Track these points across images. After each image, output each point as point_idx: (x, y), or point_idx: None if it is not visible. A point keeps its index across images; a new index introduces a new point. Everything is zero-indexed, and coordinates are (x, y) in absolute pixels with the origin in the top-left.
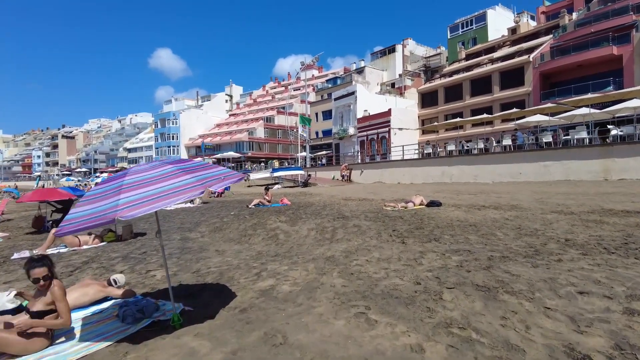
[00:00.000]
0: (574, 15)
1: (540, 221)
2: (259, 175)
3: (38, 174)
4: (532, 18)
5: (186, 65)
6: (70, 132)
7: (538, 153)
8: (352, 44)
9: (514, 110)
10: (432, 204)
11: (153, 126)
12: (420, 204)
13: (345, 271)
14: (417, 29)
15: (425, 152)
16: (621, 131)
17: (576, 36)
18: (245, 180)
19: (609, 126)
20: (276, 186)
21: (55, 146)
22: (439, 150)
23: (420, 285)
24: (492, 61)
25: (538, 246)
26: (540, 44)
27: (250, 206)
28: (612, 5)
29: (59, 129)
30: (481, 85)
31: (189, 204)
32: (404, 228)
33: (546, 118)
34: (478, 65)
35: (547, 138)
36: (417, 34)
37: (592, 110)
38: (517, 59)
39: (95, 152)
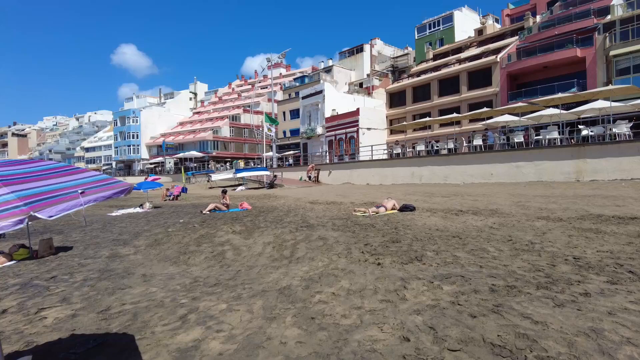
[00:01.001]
0: (538, 18)
1: (531, 230)
2: (222, 176)
3: None
4: (497, 21)
5: (152, 62)
6: (23, 130)
7: (510, 153)
8: (321, 45)
9: (485, 109)
10: (406, 208)
11: (113, 124)
12: (392, 209)
13: (303, 314)
14: (385, 30)
15: (395, 152)
16: (592, 132)
17: (541, 38)
18: (208, 181)
19: (580, 126)
20: (239, 188)
21: (5, 145)
22: (408, 150)
23: (409, 343)
24: (460, 61)
25: (546, 268)
26: (507, 45)
27: (204, 212)
28: (575, 9)
29: (9, 127)
30: (449, 85)
31: (137, 209)
32: (377, 241)
33: (514, 118)
34: (446, 65)
35: (519, 138)
36: (385, 35)
37: (560, 111)
38: (484, 59)
39: (50, 151)
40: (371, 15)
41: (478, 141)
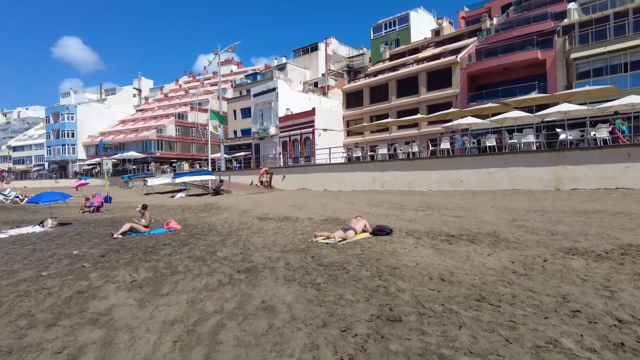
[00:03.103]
0: (495, 20)
1: (579, 280)
2: (159, 180)
3: None
4: (451, 24)
5: (99, 58)
6: None
7: (481, 158)
8: (277, 45)
9: (451, 110)
10: (381, 231)
11: (45, 122)
12: (363, 231)
13: None
14: (340, 30)
15: (354, 155)
16: (570, 135)
17: (501, 39)
18: (144, 186)
19: (557, 130)
20: (179, 195)
21: None
22: (369, 154)
23: None
24: (418, 61)
25: None
26: (466, 46)
27: (116, 235)
28: (531, 12)
29: None
30: (408, 85)
31: (35, 227)
32: (362, 317)
33: (478, 120)
34: (404, 65)
35: (491, 142)
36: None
37: (523, 114)
38: (444, 59)
39: None
40: (326, 15)
41: (445, 144)
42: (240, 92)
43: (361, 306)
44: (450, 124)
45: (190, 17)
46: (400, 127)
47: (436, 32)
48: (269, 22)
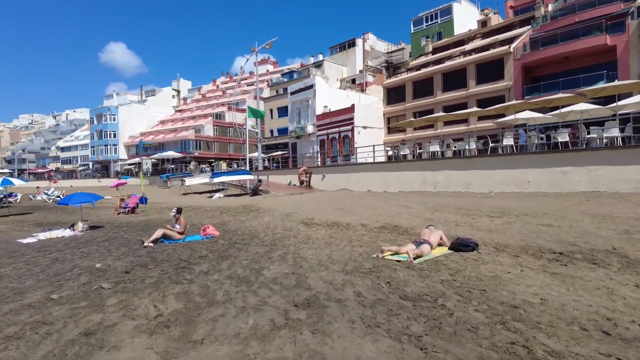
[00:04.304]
0: (550, 7)
1: None
2: (197, 180)
3: None
4: (496, 14)
5: (142, 62)
6: None
7: (552, 156)
8: (312, 44)
9: (512, 102)
10: (463, 246)
11: (89, 123)
12: (439, 245)
13: None
14: (377, 25)
15: (401, 153)
16: None
17: (561, 25)
18: (181, 186)
19: None
20: (217, 195)
21: None
22: (418, 151)
23: None
24: (465, 54)
25: None
26: (517, 36)
27: (147, 243)
28: None
29: None
30: (454, 79)
31: (66, 231)
32: None
33: (537, 115)
34: (450, 58)
35: (563, 137)
36: (377, 30)
37: (592, 106)
38: (495, 50)
39: (24, 150)
40: (362, 11)
41: (509, 141)
42: (277, 91)
43: None
44: (505, 119)
45: (228, 19)
46: (446, 123)
47: (483, 23)
48: (305, 21)
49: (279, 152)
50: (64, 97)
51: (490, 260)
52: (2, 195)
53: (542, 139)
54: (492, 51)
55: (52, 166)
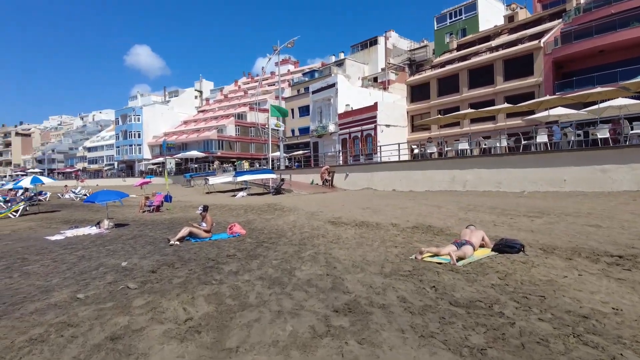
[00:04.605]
0: (582, 0)
1: None
2: (221, 179)
3: None
4: (522, 9)
5: (165, 64)
6: (29, 129)
7: (590, 153)
8: (333, 44)
9: (546, 97)
10: (508, 247)
11: (114, 123)
12: (480, 246)
13: None
14: (399, 23)
15: (428, 151)
16: None
17: (595, 17)
18: (205, 185)
19: None
20: (240, 194)
21: (9, 144)
22: (446, 149)
23: None
24: (492, 49)
25: None
26: (547, 31)
27: (173, 242)
28: None
29: (16, 126)
30: (481, 75)
31: (92, 228)
32: None
33: (570, 111)
34: (476, 54)
35: (603, 133)
36: (399, 28)
37: (631, 101)
38: (524, 45)
39: (53, 151)
40: (383, 10)
41: (542, 138)
42: (298, 91)
43: None
44: (535, 115)
45: (248, 21)
46: (473, 121)
47: (509, 18)
48: (325, 22)
49: (300, 152)
50: (91, 99)
51: (540, 263)
52: (32, 194)
53: (578, 135)
54: (520, 46)
55: (79, 166)
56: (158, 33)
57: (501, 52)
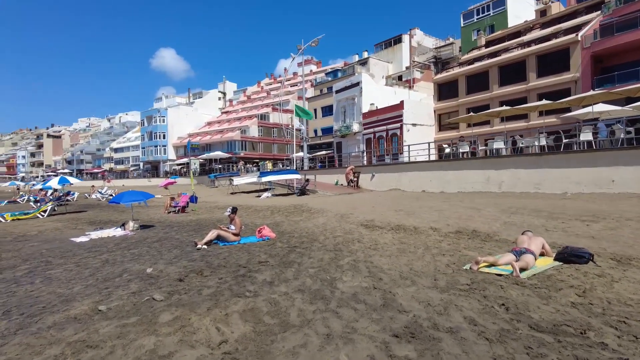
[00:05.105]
0: None
1: None
2: (245, 179)
3: (22, 174)
4: (555, 3)
5: (190, 67)
6: (59, 131)
7: None
8: (355, 44)
9: (590, 93)
10: (575, 256)
11: (140, 125)
12: (541, 254)
13: None
14: (423, 21)
15: (460, 150)
16: None
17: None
18: (229, 185)
19: None
20: (265, 194)
21: (41, 146)
22: (481, 148)
23: None
24: (523, 45)
25: None
26: (584, 24)
27: (200, 245)
28: None
29: (47, 128)
30: (513, 72)
31: (117, 230)
32: None
33: (612, 107)
34: (506, 50)
35: None
36: (424, 25)
37: None
38: (559, 40)
39: (82, 152)
40: (407, 8)
41: (586, 136)
42: (321, 91)
43: None
44: (574, 113)
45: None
46: (504, 120)
47: (542, 12)
48: (347, 22)
49: (323, 152)
50: (117, 101)
51: (620, 276)
52: (61, 194)
53: (629, 132)
54: (555, 41)
55: (106, 166)
56: (182, 36)
57: (534, 47)
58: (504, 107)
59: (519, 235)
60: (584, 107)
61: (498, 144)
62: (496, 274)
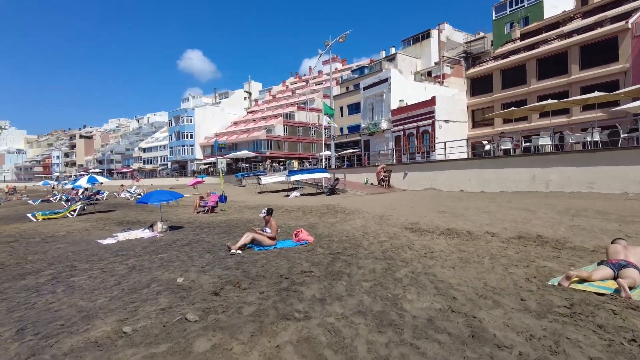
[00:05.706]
0: None
1: None
2: (273, 178)
3: (57, 174)
4: None
5: (216, 68)
6: (90, 132)
7: None
8: (380, 41)
9: None
10: None
11: (168, 125)
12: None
13: None
14: (452, 15)
15: (502, 147)
16: None
17: None
18: (259, 184)
19: None
20: (293, 194)
21: (74, 146)
22: (524, 144)
23: None
24: (563, 36)
25: None
26: (634, 10)
27: (234, 250)
28: None
29: (80, 129)
30: (553, 64)
31: (145, 231)
32: None
33: None
34: (545, 41)
35: None
36: (453, 20)
37: None
38: (607, 28)
39: (111, 152)
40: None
41: None
42: (347, 88)
43: None
44: (624, 106)
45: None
46: (542, 115)
47: (583, 1)
48: (372, 19)
49: (350, 150)
50: (146, 102)
51: None
52: (91, 193)
53: None
54: (601, 30)
55: (135, 166)
56: (209, 38)
57: (577, 37)
58: (550, 101)
59: (609, 244)
60: (633, 99)
61: (544, 140)
62: (595, 293)
